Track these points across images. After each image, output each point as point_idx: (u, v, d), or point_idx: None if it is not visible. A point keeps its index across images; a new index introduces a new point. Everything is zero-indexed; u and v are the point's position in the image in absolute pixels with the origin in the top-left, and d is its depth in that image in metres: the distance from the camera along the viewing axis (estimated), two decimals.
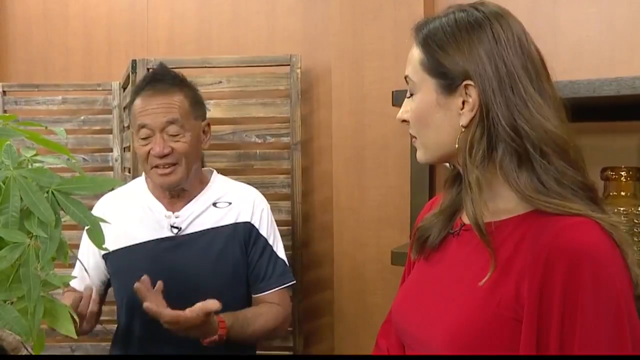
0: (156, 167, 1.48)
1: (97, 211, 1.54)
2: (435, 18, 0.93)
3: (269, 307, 1.54)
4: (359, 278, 1.84)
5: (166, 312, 1.31)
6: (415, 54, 0.93)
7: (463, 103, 0.89)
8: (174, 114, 1.48)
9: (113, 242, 1.50)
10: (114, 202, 1.59)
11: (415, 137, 0.96)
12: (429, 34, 0.92)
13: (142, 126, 1.48)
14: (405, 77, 0.96)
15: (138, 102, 1.50)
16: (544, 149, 0.84)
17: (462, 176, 0.91)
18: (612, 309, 0.78)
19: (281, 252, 1.60)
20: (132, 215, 1.54)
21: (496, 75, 0.86)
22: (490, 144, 0.87)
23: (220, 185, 1.61)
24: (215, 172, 1.65)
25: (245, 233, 1.55)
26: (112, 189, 1.63)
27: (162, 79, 1.52)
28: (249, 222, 1.56)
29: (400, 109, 0.97)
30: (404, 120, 0.97)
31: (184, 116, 1.49)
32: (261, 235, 1.57)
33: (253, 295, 1.59)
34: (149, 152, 1.48)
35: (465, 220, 0.96)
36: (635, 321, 0.80)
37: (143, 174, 1.64)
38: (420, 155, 0.97)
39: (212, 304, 1.32)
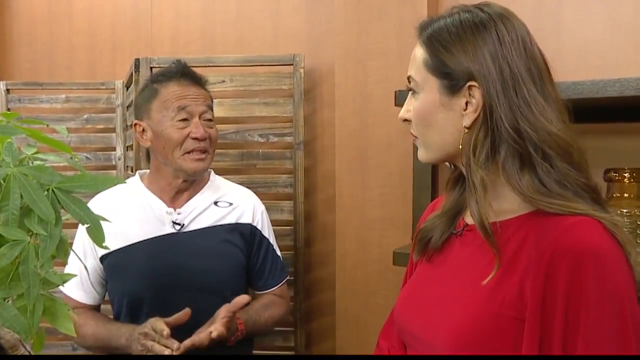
0: (191, 152, 1.50)
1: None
2: (440, 18, 0.93)
3: (271, 299, 1.61)
4: (361, 278, 1.84)
5: (204, 338, 1.34)
6: (419, 53, 0.93)
7: (466, 104, 0.88)
8: (209, 102, 1.57)
9: (111, 242, 1.49)
10: (109, 201, 1.56)
11: (417, 137, 0.96)
12: (434, 34, 0.91)
13: (182, 108, 1.50)
14: (408, 77, 0.95)
15: (173, 87, 1.52)
16: (547, 151, 0.84)
17: (466, 177, 0.91)
18: (615, 307, 0.78)
19: (278, 250, 1.66)
20: (130, 213, 1.53)
21: (500, 77, 0.85)
22: (494, 145, 0.86)
23: (219, 185, 1.63)
24: (213, 172, 1.67)
25: (247, 234, 1.58)
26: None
27: (193, 72, 1.57)
28: (251, 224, 1.59)
29: (402, 109, 0.97)
30: (405, 120, 0.96)
31: (212, 108, 1.58)
32: (264, 236, 1.61)
33: (256, 293, 1.63)
34: (187, 135, 1.49)
35: (468, 220, 0.96)
36: (638, 320, 0.80)
37: (137, 173, 1.63)
38: (422, 155, 0.97)
39: (243, 298, 1.41)
